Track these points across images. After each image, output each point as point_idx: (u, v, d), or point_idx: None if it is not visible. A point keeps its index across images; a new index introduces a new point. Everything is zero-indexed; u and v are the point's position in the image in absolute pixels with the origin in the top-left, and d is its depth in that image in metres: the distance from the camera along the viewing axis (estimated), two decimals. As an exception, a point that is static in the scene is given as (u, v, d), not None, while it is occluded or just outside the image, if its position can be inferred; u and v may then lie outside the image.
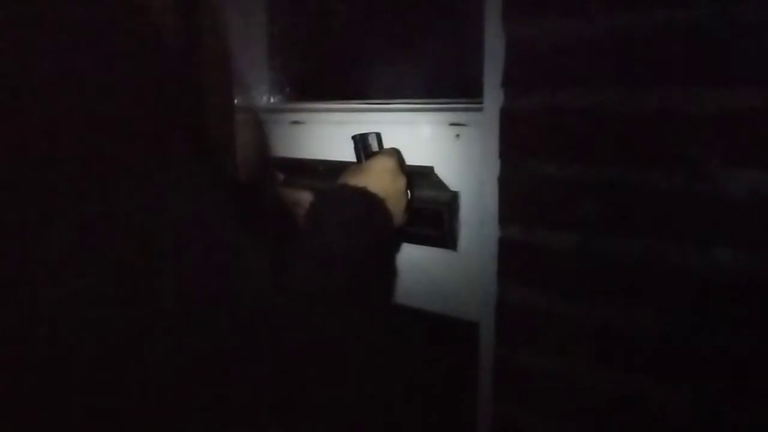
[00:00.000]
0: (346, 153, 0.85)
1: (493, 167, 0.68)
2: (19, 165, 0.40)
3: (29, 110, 0.40)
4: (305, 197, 0.82)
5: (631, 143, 0.58)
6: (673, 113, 0.56)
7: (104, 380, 0.42)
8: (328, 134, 0.93)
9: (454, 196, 0.81)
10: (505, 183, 0.67)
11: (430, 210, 0.82)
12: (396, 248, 0.75)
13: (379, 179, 0.70)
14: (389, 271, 0.72)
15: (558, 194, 0.63)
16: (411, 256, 0.85)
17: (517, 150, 0.66)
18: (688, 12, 0.54)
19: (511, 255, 0.68)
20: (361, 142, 0.78)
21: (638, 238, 0.59)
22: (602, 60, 0.59)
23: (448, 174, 0.81)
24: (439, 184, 0.81)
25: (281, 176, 1.03)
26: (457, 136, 0.79)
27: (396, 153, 0.78)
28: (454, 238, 0.81)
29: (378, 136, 0.82)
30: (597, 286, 0.62)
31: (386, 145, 0.84)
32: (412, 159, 0.83)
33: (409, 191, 0.78)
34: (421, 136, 0.83)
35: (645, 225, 0.59)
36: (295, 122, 0.98)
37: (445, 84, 0.91)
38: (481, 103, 0.69)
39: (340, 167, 0.80)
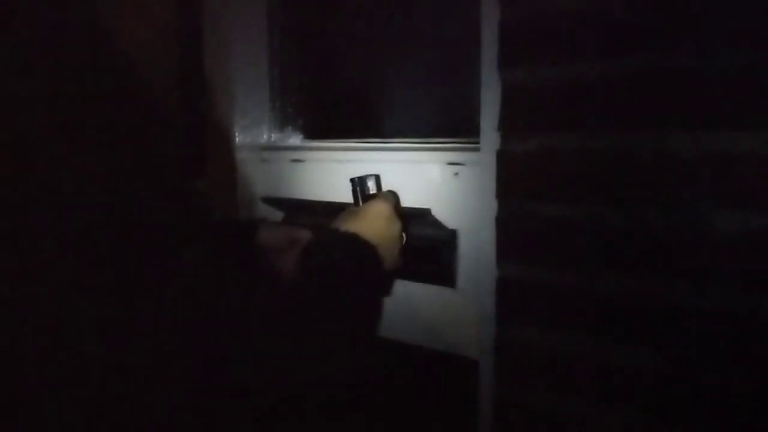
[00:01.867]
0: (345, 191, 0.86)
1: (490, 206, 0.69)
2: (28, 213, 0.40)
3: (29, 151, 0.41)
4: (303, 236, 0.83)
5: (625, 185, 0.60)
6: (665, 156, 0.58)
7: (101, 382, 0.42)
8: (327, 172, 0.95)
9: (452, 234, 0.82)
10: (502, 223, 0.68)
11: (429, 248, 0.83)
12: (388, 291, 0.75)
13: (372, 224, 0.70)
14: (379, 312, 0.72)
15: (555, 234, 0.64)
16: (410, 293, 0.86)
17: (514, 191, 0.67)
18: (675, 58, 0.56)
19: (510, 293, 0.69)
20: (359, 184, 0.78)
21: (634, 276, 0.60)
22: (595, 104, 0.61)
23: (446, 212, 0.82)
24: (437, 224, 0.82)
25: (280, 215, 1.04)
26: (456, 174, 0.80)
27: (392, 197, 0.78)
28: (452, 275, 0.82)
29: (377, 178, 0.83)
30: (596, 324, 0.63)
31: (386, 182, 0.85)
32: (411, 197, 0.84)
33: (404, 235, 0.78)
34: (419, 174, 0.84)
35: (640, 264, 0.60)
36: (295, 160, 0.99)
37: (444, 123, 0.93)
38: (478, 142, 0.71)
39: (338, 207, 0.81)
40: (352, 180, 0.79)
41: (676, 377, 0.58)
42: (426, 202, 0.83)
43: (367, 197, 0.79)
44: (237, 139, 1.05)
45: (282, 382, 0.52)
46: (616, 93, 0.60)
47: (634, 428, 0.61)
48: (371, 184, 0.81)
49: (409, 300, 0.86)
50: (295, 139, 1.09)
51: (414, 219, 0.81)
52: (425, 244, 0.83)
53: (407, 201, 0.84)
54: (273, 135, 1.10)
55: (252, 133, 1.07)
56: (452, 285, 0.83)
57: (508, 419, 0.70)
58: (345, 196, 0.86)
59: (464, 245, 0.81)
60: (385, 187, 0.84)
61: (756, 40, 0.52)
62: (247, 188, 1.05)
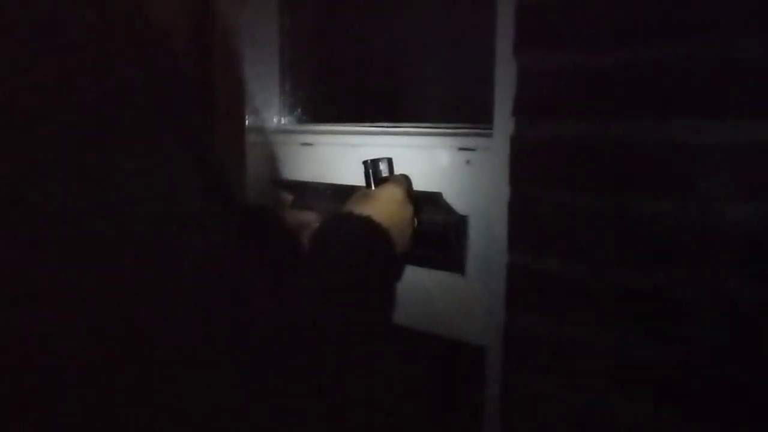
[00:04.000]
0: (355, 175, 0.86)
1: (502, 192, 0.69)
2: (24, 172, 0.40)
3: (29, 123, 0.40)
4: (313, 219, 0.83)
5: (640, 174, 0.59)
6: (679, 145, 0.57)
7: (103, 383, 0.42)
8: (338, 156, 0.94)
9: (463, 220, 0.81)
10: (514, 210, 0.68)
11: (438, 233, 0.82)
12: (400, 275, 0.75)
13: (385, 208, 0.70)
14: (393, 297, 0.72)
15: (568, 223, 0.64)
16: (418, 279, 0.86)
17: (527, 178, 0.66)
18: (693, 47, 0.55)
19: (520, 281, 0.69)
20: (371, 167, 0.78)
21: (646, 267, 0.60)
22: (611, 91, 0.60)
23: (457, 198, 0.82)
24: (448, 209, 0.82)
25: (290, 198, 1.03)
26: (467, 161, 0.79)
27: (405, 181, 0.78)
28: (461, 261, 0.82)
29: (389, 161, 0.82)
30: (606, 315, 0.62)
31: (397, 167, 0.85)
32: (421, 182, 0.84)
33: (416, 219, 0.78)
34: (431, 159, 0.83)
35: (653, 255, 0.59)
36: (306, 144, 0.99)
37: (456, 108, 0.92)
38: (491, 128, 0.70)
39: (348, 190, 0.81)
40: (364, 162, 0.78)
41: (686, 369, 0.58)
42: (437, 187, 0.83)
43: (380, 180, 0.78)
44: (247, 122, 1.05)
45: (301, 369, 0.52)
46: (632, 81, 0.59)
47: (642, 420, 0.61)
48: (384, 167, 0.80)
49: (417, 286, 0.86)
50: (306, 123, 1.09)
51: (425, 203, 0.81)
52: (435, 229, 0.82)
53: (418, 185, 0.84)
54: (283, 118, 1.09)
55: (262, 116, 1.07)
56: (461, 271, 0.82)
57: (514, 407, 0.70)
58: (356, 179, 0.86)
59: (474, 231, 0.81)
60: (396, 172, 0.83)
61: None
62: (256, 171, 1.05)
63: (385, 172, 0.81)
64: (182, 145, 0.47)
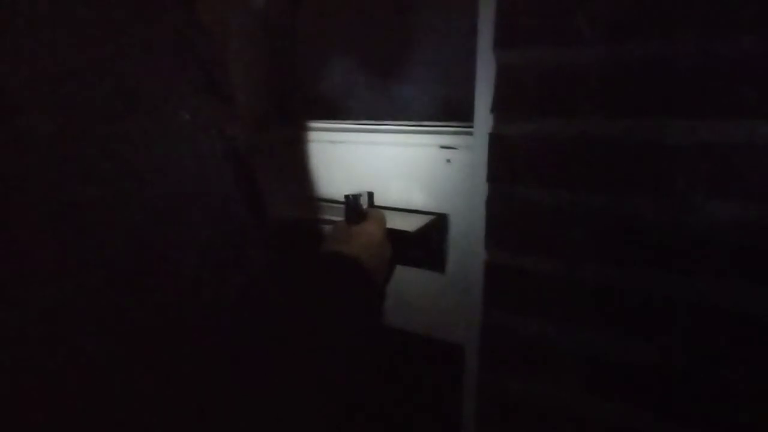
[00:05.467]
0: (336, 174, 0.86)
1: (482, 191, 0.69)
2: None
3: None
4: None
5: (618, 172, 0.59)
6: (658, 144, 0.57)
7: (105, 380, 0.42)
8: (319, 153, 0.94)
9: (443, 219, 0.81)
10: (492, 207, 0.68)
11: (419, 232, 0.82)
12: (381, 309, 0.76)
13: (367, 247, 0.71)
14: (375, 328, 0.73)
15: (545, 220, 0.64)
16: (399, 277, 0.85)
17: (505, 175, 0.66)
18: (671, 46, 0.55)
19: (497, 279, 0.68)
20: (353, 202, 0.79)
21: (624, 265, 0.60)
22: (589, 89, 0.60)
23: (438, 196, 0.81)
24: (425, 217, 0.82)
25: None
26: (448, 160, 0.79)
27: (383, 220, 0.79)
28: (442, 260, 0.82)
29: (370, 195, 0.84)
30: (583, 313, 0.62)
31: (379, 164, 0.84)
32: (403, 180, 0.83)
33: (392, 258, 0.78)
34: (412, 157, 0.83)
35: (631, 253, 0.59)
36: (288, 142, 0.98)
37: (438, 107, 0.92)
38: (471, 126, 0.70)
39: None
40: (346, 197, 0.79)
41: (665, 368, 0.58)
42: (418, 185, 0.82)
43: (360, 214, 0.79)
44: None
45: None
46: (611, 79, 0.59)
47: (619, 419, 0.61)
48: (364, 201, 0.81)
49: (398, 284, 0.85)
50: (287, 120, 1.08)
51: (401, 242, 0.81)
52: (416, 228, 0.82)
53: (400, 183, 0.84)
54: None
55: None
56: (441, 270, 0.82)
57: (490, 405, 0.70)
58: (335, 177, 0.85)
59: (455, 230, 0.80)
60: (379, 170, 0.83)
61: (752, 30, 0.51)
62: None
63: (365, 205, 0.81)
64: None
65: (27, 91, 0.40)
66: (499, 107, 0.66)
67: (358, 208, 0.79)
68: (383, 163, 0.85)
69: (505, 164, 0.66)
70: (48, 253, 0.39)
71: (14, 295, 0.39)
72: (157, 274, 0.42)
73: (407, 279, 0.85)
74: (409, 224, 0.80)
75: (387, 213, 0.82)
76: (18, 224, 0.39)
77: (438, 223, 0.81)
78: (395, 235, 0.78)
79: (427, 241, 0.82)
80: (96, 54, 0.42)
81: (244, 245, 0.49)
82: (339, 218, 0.81)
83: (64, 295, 0.40)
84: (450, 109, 0.88)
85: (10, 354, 0.40)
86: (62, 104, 0.41)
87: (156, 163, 0.44)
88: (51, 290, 0.40)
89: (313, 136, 0.95)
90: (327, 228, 0.82)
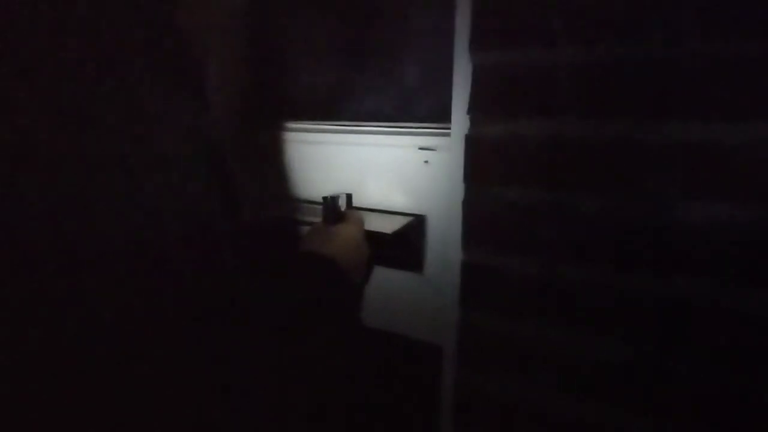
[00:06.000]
0: (314, 175, 0.85)
1: (459, 191, 0.69)
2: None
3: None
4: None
5: (594, 172, 0.60)
6: (634, 144, 0.58)
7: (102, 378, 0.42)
8: (297, 154, 0.94)
9: (420, 220, 0.81)
10: (469, 207, 0.68)
11: (396, 232, 0.82)
12: (359, 309, 0.76)
13: (346, 249, 0.71)
14: (353, 327, 0.73)
15: (520, 220, 0.64)
16: (377, 278, 0.85)
17: (482, 175, 0.67)
18: (645, 47, 0.56)
19: (474, 278, 0.69)
20: (331, 203, 0.79)
21: (599, 265, 0.60)
22: (564, 90, 0.61)
23: (416, 196, 0.82)
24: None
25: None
26: (426, 161, 0.80)
27: (361, 221, 0.79)
28: (420, 260, 0.82)
29: (348, 197, 0.84)
30: (559, 313, 0.63)
31: (357, 166, 0.84)
32: (381, 181, 0.84)
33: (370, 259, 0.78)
34: (390, 158, 0.83)
35: (607, 252, 0.60)
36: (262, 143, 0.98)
37: (418, 108, 0.92)
38: (449, 128, 0.71)
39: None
40: (324, 198, 0.79)
41: (642, 368, 0.59)
42: (396, 186, 0.83)
43: (338, 216, 0.79)
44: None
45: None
46: (585, 80, 0.60)
47: (594, 419, 0.62)
48: (342, 203, 0.81)
49: (376, 284, 0.85)
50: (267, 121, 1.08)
51: (379, 243, 0.81)
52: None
53: (378, 184, 0.84)
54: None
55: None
56: (419, 270, 0.82)
57: (467, 405, 0.70)
58: (314, 178, 0.85)
59: (433, 231, 0.81)
60: (358, 171, 0.83)
61: (725, 31, 0.53)
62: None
63: (343, 207, 0.81)
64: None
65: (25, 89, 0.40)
66: (474, 108, 0.66)
67: (336, 209, 0.79)
68: (361, 164, 0.86)
69: (481, 165, 0.67)
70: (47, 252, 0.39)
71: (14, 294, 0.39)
72: (120, 271, 0.42)
73: (384, 279, 0.85)
74: (387, 226, 0.80)
75: (365, 214, 0.82)
76: (18, 224, 0.39)
77: (416, 224, 0.81)
78: (373, 236, 0.78)
79: (405, 242, 0.82)
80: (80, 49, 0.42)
81: (214, 243, 0.49)
82: (317, 219, 0.81)
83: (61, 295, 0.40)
84: (430, 111, 0.88)
85: (10, 354, 0.39)
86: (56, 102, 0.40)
87: (121, 158, 0.43)
88: (51, 290, 0.39)
89: (291, 136, 0.95)
90: (304, 229, 0.82)
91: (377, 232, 0.78)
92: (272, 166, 0.97)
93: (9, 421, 0.41)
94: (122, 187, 0.43)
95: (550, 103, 0.62)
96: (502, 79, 0.64)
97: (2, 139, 0.40)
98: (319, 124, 0.94)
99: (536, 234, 0.64)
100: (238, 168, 1.00)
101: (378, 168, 0.85)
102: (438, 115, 0.85)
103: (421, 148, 0.81)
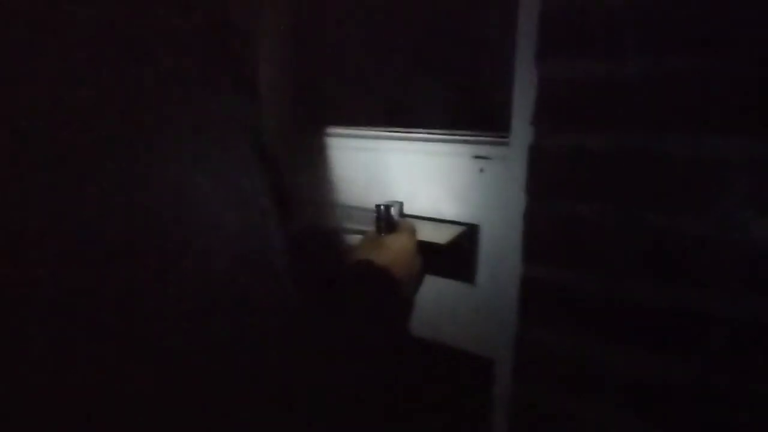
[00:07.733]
0: (363, 182, 0.85)
1: (516, 202, 0.68)
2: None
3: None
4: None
5: (659, 187, 0.58)
6: (701, 159, 0.56)
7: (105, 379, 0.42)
8: (348, 160, 0.93)
9: (474, 229, 0.80)
10: (531, 220, 0.67)
11: (450, 243, 0.81)
12: (409, 320, 0.76)
13: (399, 258, 0.71)
14: (403, 338, 0.73)
15: (585, 235, 0.63)
16: (427, 288, 0.84)
17: (545, 188, 0.65)
18: (719, 59, 0.54)
19: (534, 293, 0.67)
20: (384, 212, 0.78)
21: (665, 283, 0.58)
22: (631, 102, 0.59)
23: (469, 206, 0.80)
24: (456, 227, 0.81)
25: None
26: (481, 170, 0.78)
27: (414, 231, 0.78)
28: (472, 271, 0.81)
29: (400, 205, 0.83)
30: (622, 330, 0.61)
31: (410, 174, 0.84)
32: (434, 189, 0.83)
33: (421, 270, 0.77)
34: (443, 166, 0.82)
35: (672, 270, 0.58)
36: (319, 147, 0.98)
37: (467, 115, 0.91)
38: (506, 137, 0.69)
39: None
40: (377, 206, 0.78)
41: (705, 388, 0.57)
42: (448, 195, 0.82)
43: (391, 225, 0.78)
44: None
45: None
46: (653, 92, 0.58)
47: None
48: (395, 212, 0.81)
49: (427, 294, 0.84)
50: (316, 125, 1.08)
51: (431, 253, 0.80)
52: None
53: (432, 192, 0.83)
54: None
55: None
56: (471, 281, 0.81)
57: (523, 421, 0.69)
58: (363, 185, 0.85)
59: (485, 241, 0.79)
60: (409, 178, 0.82)
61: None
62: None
63: (396, 216, 0.81)
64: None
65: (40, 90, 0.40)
66: (539, 119, 0.65)
67: (390, 219, 0.78)
68: (413, 172, 0.85)
69: (544, 177, 0.65)
70: (49, 252, 0.39)
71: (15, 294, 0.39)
72: (177, 273, 0.42)
73: (435, 289, 0.84)
74: (440, 235, 0.79)
75: (416, 222, 0.81)
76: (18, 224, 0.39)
77: (469, 234, 0.80)
78: (426, 246, 0.77)
79: (457, 252, 0.81)
80: (126, 45, 0.42)
81: (270, 240, 0.48)
82: (367, 227, 0.81)
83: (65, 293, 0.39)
84: (480, 119, 0.87)
85: (10, 354, 0.40)
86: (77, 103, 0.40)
87: (184, 160, 0.43)
88: (51, 289, 0.39)
89: (341, 142, 0.94)
90: (356, 237, 0.82)
91: (431, 242, 0.77)
92: (322, 171, 0.97)
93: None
94: (189, 194, 0.43)
95: (617, 116, 0.60)
96: (569, 90, 0.62)
97: (72, 143, 0.39)
98: (368, 130, 0.93)
99: (600, 250, 0.62)
100: (290, 173, 1.00)
101: (430, 176, 0.84)
102: (484, 123, 0.84)
103: (476, 157, 0.79)
